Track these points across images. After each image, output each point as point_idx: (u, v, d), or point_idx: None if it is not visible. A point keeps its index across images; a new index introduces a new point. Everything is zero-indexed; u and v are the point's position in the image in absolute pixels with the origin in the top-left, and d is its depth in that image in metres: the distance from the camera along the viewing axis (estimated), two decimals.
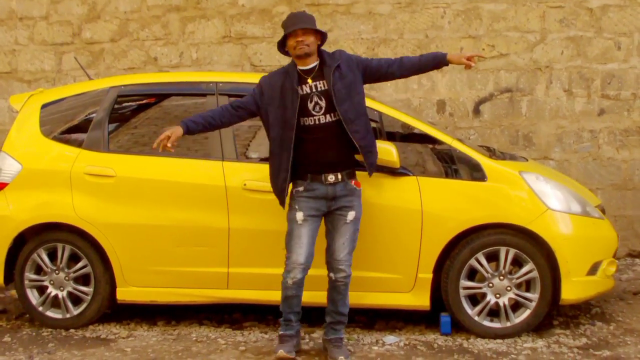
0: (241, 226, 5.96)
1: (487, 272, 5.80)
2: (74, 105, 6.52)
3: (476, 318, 5.83)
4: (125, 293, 6.17)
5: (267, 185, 5.49)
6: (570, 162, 8.46)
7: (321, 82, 5.30)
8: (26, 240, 6.31)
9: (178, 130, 5.41)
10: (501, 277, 5.80)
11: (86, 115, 6.41)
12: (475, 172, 5.88)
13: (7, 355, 5.73)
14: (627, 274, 7.77)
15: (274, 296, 5.62)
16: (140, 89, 6.57)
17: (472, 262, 5.79)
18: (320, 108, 5.29)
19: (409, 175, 5.84)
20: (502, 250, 5.78)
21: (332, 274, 5.38)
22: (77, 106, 6.51)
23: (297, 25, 5.28)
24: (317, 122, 5.29)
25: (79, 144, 6.29)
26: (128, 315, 6.50)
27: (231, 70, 8.76)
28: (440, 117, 8.58)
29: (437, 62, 5.55)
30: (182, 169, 6.12)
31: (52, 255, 6.25)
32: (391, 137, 6.11)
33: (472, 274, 5.85)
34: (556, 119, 8.47)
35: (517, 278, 5.80)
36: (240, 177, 5.97)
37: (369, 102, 5.95)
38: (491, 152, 6.38)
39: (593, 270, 5.89)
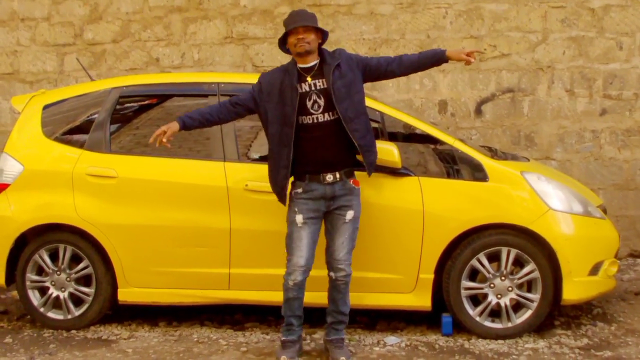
0: (243, 227, 5.96)
1: (489, 272, 5.80)
2: (75, 106, 6.53)
3: (477, 318, 5.83)
4: (127, 294, 6.17)
5: (269, 185, 5.47)
6: (572, 162, 8.45)
7: (321, 80, 5.30)
8: (28, 241, 6.32)
9: (174, 126, 5.43)
10: (502, 278, 5.79)
11: (88, 116, 6.41)
12: (477, 173, 5.88)
13: (9, 356, 5.73)
14: (629, 274, 7.76)
15: (275, 297, 5.61)
16: (142, 90, 6.57)
17: (474, 262, 5.79)
18: (319, 106, 5.28)
19: (410, 175, 5.84)
20: (504, 251, 5.78)
21: (332, 273, 5.38)
22: (79, 107, 6.52)
23: (299, 23, 5.28)
24: (315, 120, 5.28)
25: (80, 145, 6.30)
26: (129, 316, 6.50)
27: (233, 71, 8.76)
28: (442, 117, 8.58)
29: (436, 58, 5.55)
30: (183, 170, 6.12)
31: (54, 256, 6.26)
32: (393, 137, 6.10)
33: (474, 275, 5.85)
34: (558, 119, 8.46)
35: (519, 278, 5.79)
36: (241, 178, 5.96)
37: (371, 103, 5.97)
38: (493, 153, 6.38)
39: (594, 270, 5.88)
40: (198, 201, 6.02)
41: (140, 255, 6.09)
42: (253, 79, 5.66)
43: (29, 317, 6.53)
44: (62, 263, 6.22)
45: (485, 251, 5.78)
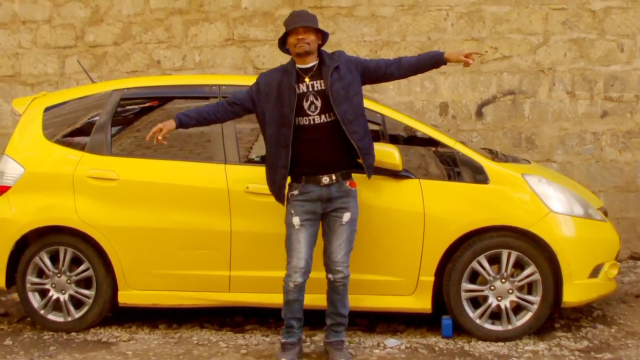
0: (243, 229, 5.96)
1: (489, 274, 5.80)
2: (76, 109, 6.53)
3: (478, 321, 5.83)
4: (127, 296, 6.17)
5: None
6: (573, 165, 8.45)
7: (318, 81, 5.29)
8: (28, 244, 6.32)
9: (170, 123, 5.44)
10: (503, 280, 5.79)
11: (89, 119, 6.42)
12: (478, 175, 5.88)
13: (9, 358, 5.73)
14: (629, 277, 7.76)
15: (275, 299, 5.61)
16: (143, 92, 6.58)
17: (474, 264, 5.79)
18: (316, 108, 5.28)
19: (411, 177, 5.84)
20: (504, 253, 5.77)
21: (330, 275, 5.38)
22: (80, 109, 6.52)
23: (299, 23, 5.28)
24: (311, 122, 5.27)
25: (81, 147, 6.30)
26: (129, 318, 6.51)
27: (234, 73, 8.77)
28: (442, 119, 8.58)
29: (435, 61, 5.54)
30: (184, 172, 6.13)
31: (54, 259, 6.26)
32: (394, 139, 6.11)
33: (474, 277, 5.84)
34: (559, 121, 8.46)
35: (519, 281, 5.79)
36: (242, 180, 5.96)
37: (372, 105, 5.98)
38: (494, 155, 6.37)
39: (595, 272, 5.88)
40: (199, 203, 6.02)
41: (140, 258, 6.09)
42: (254, 81, 5.65)
43: (29, 319, 6.53)
44: (63, 265, 6.23)
45: (486, 253, 5.78)
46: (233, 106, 5.49)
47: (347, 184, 5.38)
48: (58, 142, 6.37)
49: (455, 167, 5.96)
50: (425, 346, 5.77)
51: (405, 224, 5.81)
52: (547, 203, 5.80)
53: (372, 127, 5.97)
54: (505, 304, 5.80)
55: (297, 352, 5.46)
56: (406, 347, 5.77)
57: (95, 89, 6.60)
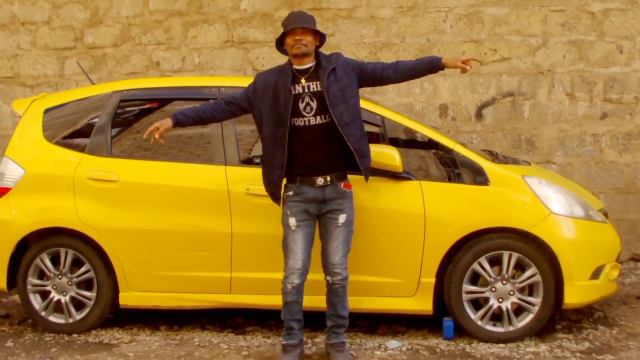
0: (244, 231, 5.96)
1: (490, 276, 5.80)
2: (76, 110, 6.52)
3: (479, 322, 5.83)
4: (128, 298, 6.17)
5: None
6: (573, 166, 8.46)
7: (315, 83, 5.29)
8: (29, 245, 6.31)
9: (167, 122, 5.45)
10: (504, 282, 5.79)
11: (89, 120, 6.41)
12: (478, 176, 5.88)
13: None
14: (630, 278, 7.76)
15: (276, 301, 5.60)
16: (143, 94, 6.57)
17: (475, 266, 5.79)
18: (311, 109, 5.28)
19: (411, 179, 5.84)
20: (505, 255, 5.78)
21: (328, 277, 5.38)
22: (79, 111, 6.52)
23: (297, 24, 5.28)
24: (307, 123, 5.27)
25: (81, 149, 6.30)
26: (130, 320, 6.50)
27: (233, 75, 8.77)
28: (442, 121, 8.58)
29: (432, 66, 5.53)
30: (185, 174, 6.12)
31: (55, 260, 6.25)
32: (394, 141, 6.11)
33: (475, 279, 5.84)
34: (558, 122, 8.47)
35: (520, 282, 5.79)
36: (243, 182, 5.96)
37: (371, 107, 5.98)
38: (494, 156, 6.38)
39: (596, 274, 5.88)
40: (199, 205, 6.02)
41: (141, 259, 6.09)
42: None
43: (30, 321, 6.53)
44: (64, 267, 6.22)
45: (487, 255, 5.78)
46: (230, 105, 5.50)
47: (342, 186, 5.37)
48: (58, 143, 6.36)
49: (455, 169, 5.97)
50: (427, 348, 5.78)
51: (405, 226, 5.82)
52: (548, 204, 5.81)
53: (372, 129, 6.00)
54: (506, 305, 5.80)
55: (299, 354, 5.46)
56: (407, 348, 5.77)
57: (94, 91, 6.59)
